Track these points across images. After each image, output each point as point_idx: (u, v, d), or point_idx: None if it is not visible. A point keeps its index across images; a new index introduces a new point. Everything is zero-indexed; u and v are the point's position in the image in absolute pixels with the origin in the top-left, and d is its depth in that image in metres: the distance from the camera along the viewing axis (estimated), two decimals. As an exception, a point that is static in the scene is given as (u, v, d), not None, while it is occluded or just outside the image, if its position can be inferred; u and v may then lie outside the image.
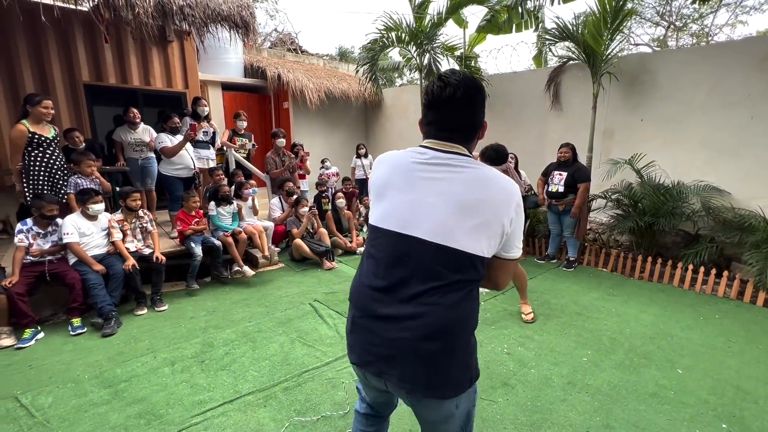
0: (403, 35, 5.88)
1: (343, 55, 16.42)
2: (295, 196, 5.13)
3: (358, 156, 7.22)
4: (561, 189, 4.66)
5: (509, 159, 5.04)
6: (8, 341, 2.92)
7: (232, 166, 5.41)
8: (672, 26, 14.76)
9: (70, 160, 3.73)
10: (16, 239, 3.13)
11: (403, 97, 8.17)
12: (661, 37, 15.13)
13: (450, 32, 28.62)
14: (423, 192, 1.05)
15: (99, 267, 3.27)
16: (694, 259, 4.12)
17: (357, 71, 6.39)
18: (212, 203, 4.26)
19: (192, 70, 6.09)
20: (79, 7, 3.48)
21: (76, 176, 3.66)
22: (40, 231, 3.23)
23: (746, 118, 4.25)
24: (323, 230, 5.11)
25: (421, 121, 1.14)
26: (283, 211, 5.24)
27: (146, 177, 4.77)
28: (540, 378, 2.56)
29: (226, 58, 7.83)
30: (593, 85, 4.91)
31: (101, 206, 3.44)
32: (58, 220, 3.30)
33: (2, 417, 2.17)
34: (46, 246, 3.25)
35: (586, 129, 5.10)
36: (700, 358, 2.80)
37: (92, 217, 3.42)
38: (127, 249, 3.53)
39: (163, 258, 3.66)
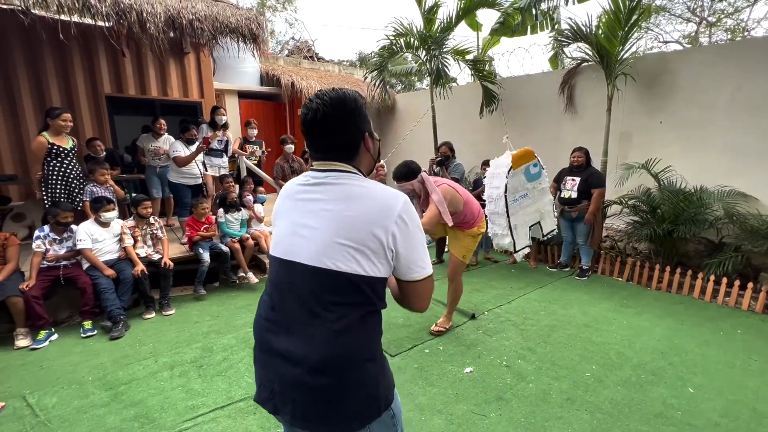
0: (413, 40, 5.87)
1: (363, 61, 16.57)
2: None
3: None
4: (574, 195, 4.50)
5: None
6: (24, 342, 3.08)
7: (244, 173, 5.54)
8: (704, 22, 14.08)
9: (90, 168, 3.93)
10: (33, 245, 3.30)
11: (415, 101, 8.14)
12: (693, 34, 14.46)
13: (464, 36, 28.41)
14: (302, 215, 1.02)
15: (110, 272, 3.41)
16: (717, 269, 3.88)
17: (365, 78, 6.41)
18: (221, 210, 4.37)
19: (207, 80, 6.29)
20: (97, 23, 3.65)
21: (91, 184, 3.84)
22: (56, 237, 3.40)
23: (774, 120, 3.99)
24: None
25: None
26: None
27: (165, 185, 4.96)
28: (538, 393, 2.47)
29: (243, 68, 8.07)
30: (608, 87, 4.73)
31: (113, 214, 3.59)
32: (73, 227, 3.46)
33: (9, 416, 2.28)
34: (62, 251, 3.41)
35: (601, 132, 4.91)
36: (715, 377, 2.62)
37: (105, 224, 3.57)
38: (138, 255, 3.66)
39: (171, 264, 3.78)
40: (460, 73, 9.41)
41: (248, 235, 4.42)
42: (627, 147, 5.15)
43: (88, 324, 3.28)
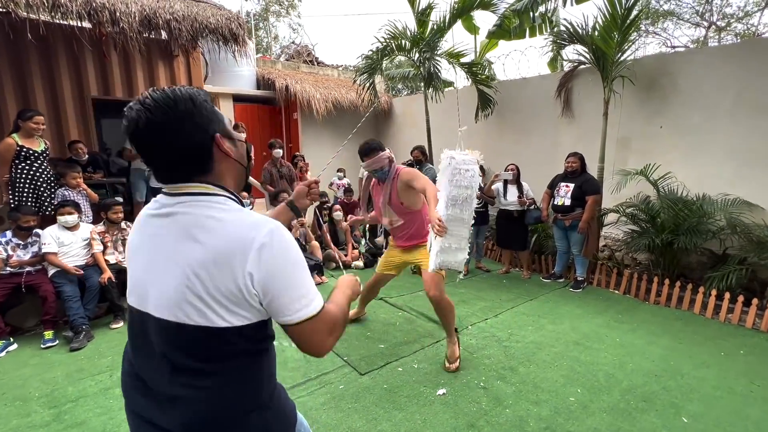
0: (405, 43, 5.72)
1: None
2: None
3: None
4: (567, 202, 4.29)
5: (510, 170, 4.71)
6: (-21, 352, 2.95)
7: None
8: (713, 26, 13.76)
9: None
10: (-6, 251, 3.18)
11: (412, 106, 7.99)
12: (701, 38, 14.13)
13: (461, 39, 28.29)
14: (150, 254, 0.84)
15: (74, 269, 3.27)
16: (720, 282, 3.63)
17: (354, 81, 6.27)
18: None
19: (198, 83, 6.19)
20: (69, 22, 3.55)
21: (63, 188, 3.73)
22: (20, 242, 3.28)
23: (781, 124, 3.75)
24: (315, 243, 4.97)
25: None
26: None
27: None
28: (514, 419, 2.25)
29: (238, 71, 7.98)
30: (604, 90, 4.53)
31: (72, 218, 3.40)
32: (39, 231, 3.34)
33: (-59, 435, 2.14)
34: (27, 257, 3.29)
35: (600, 137, 4.70)
36: (712, 404, 2.39)
37: (72, 228, 3.44)
38: (107, 261, 3.53)
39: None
40: (457, 77, 9.24)
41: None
42: (625, 152, 4.92)
43: (48, 334, 3.13)
